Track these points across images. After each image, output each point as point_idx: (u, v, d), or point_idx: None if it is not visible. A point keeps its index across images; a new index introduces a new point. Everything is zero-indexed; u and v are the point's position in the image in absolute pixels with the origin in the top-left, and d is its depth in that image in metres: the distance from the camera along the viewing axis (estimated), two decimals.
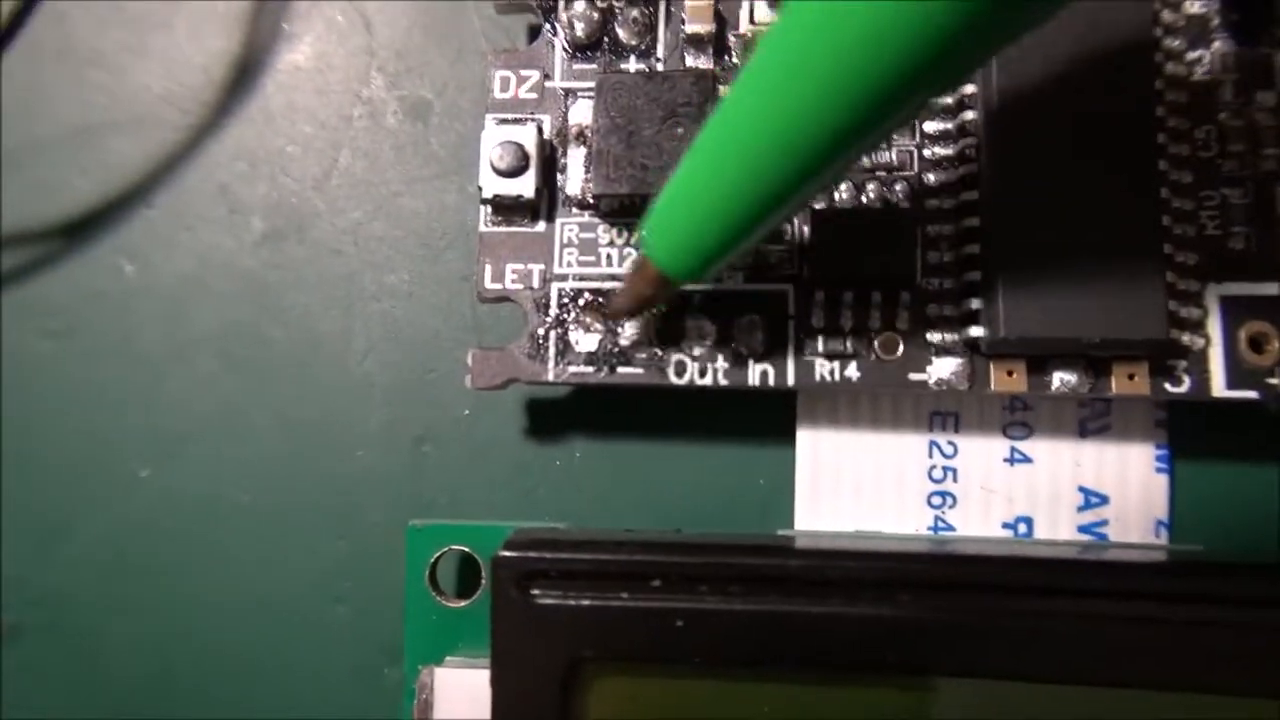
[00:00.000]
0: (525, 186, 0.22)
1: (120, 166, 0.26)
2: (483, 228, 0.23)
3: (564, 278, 0.22)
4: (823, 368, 0.21)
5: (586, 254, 0.22)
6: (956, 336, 0.21)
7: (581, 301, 0.22)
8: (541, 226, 0.23)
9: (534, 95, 0.23)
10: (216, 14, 0.27)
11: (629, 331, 0.22)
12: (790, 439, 0.23)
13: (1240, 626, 0.18)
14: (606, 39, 0.23)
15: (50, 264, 0.26)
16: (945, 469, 0.22)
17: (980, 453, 0.22)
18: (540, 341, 0.22)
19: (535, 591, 0.19)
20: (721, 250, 0.18)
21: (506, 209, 0.23)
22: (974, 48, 0.16)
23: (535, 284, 0.22)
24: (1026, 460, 0.22)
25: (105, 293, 0.26)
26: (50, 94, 0.27)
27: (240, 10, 0.27)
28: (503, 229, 0.23)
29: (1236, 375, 0.20)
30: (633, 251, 0.22)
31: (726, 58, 0.23)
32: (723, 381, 0.22)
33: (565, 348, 0.22)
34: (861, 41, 0.15)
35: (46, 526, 0.25)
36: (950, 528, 0.22)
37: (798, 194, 0.18)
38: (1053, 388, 0.21)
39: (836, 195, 0.22)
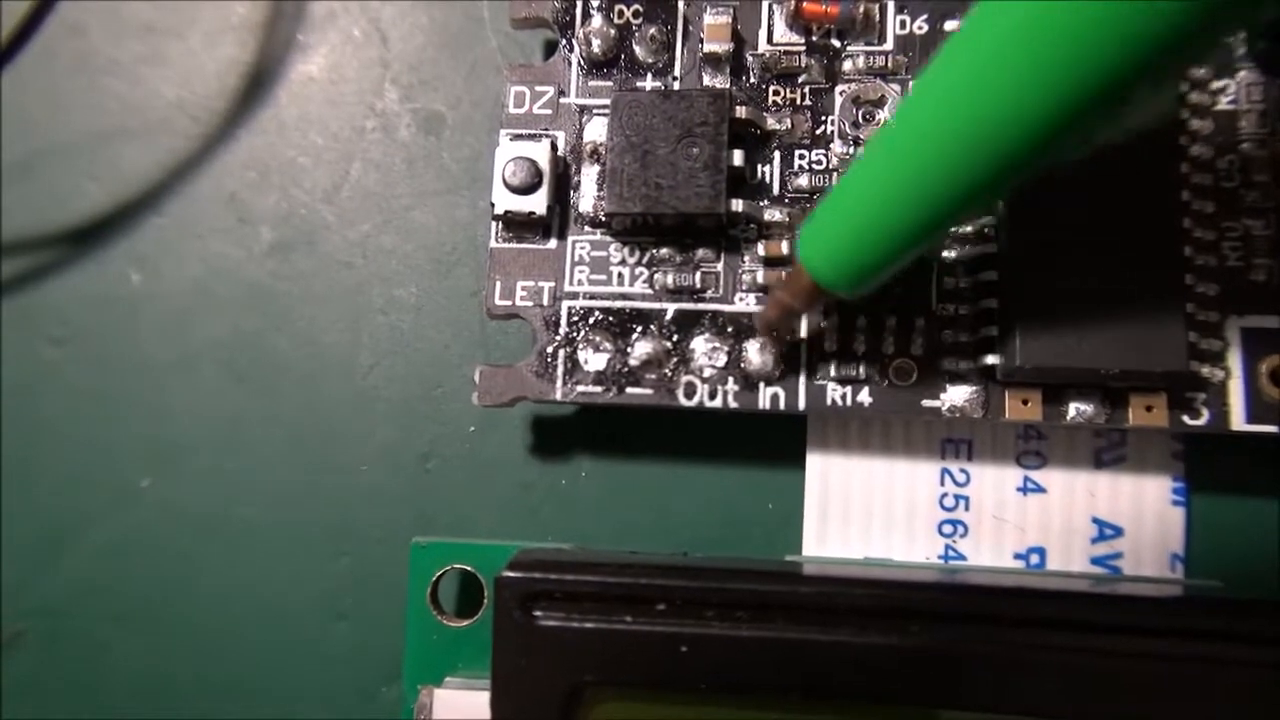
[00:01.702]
0: (537, 203, 0.22)
1: (131, 174, 0.26)
2: (493, 243, 0.22)
3: (574, 296, 0.22)
4: (834, 392, 0.21)
5: (598, 272, 0.22)
6: (971, 364, 0.21)
7: (592, 320, 0.22)
8: (553, 244, 0.22)
9: (548, 111, 0.23)
10: (231, 24, 0.27)
11: (639, 350, 0.21)
12: (800, 464, 0.23)
13: (1255, 665, 0.18)
14: (623, 56, 0.23)
15: (58, 270, 0.26)
16: (957, 497, 0.22)
17: (993, 481, 0.22)
18: (549, 360, 0.22)
19: (538, 613, 0.19)
20: (883, 261, 0.18)
21: (518, 225, 0.22)
22: (1174, 58, 0.15)
23: (545, 301, 0.22)
24: (1040, 490, 0.22)
25: (112, 300, 0.25)
26: (65, 101, 0.27)
27: (255, 20, 0.26)
28: (514, 245, 0.22)
29: (1257, 409, 0.20)
30: (644, 271, 0.22)
31: (744, 78, 0.22)
32: (733, 404, 0.21)
33: (574, 366, 0.22)
34: (1063, 47, 0.15)
35: (47, 535, 0.25)
36: (961, 557, 0.22)
37: (977, 202, 0.17)
38: (1068, 418, 0.20)
39: None
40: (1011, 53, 0.15)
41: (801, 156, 0.22)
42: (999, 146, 0.16)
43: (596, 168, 0.22)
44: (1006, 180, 0.17)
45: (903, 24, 0.22)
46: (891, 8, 0.22)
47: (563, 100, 0.23)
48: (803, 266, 0.19)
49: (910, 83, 0.22)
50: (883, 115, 0.22)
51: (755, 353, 0.21)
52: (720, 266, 0.22)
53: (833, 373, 0.21)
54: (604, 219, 0.22)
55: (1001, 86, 0.16)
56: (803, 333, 0.21)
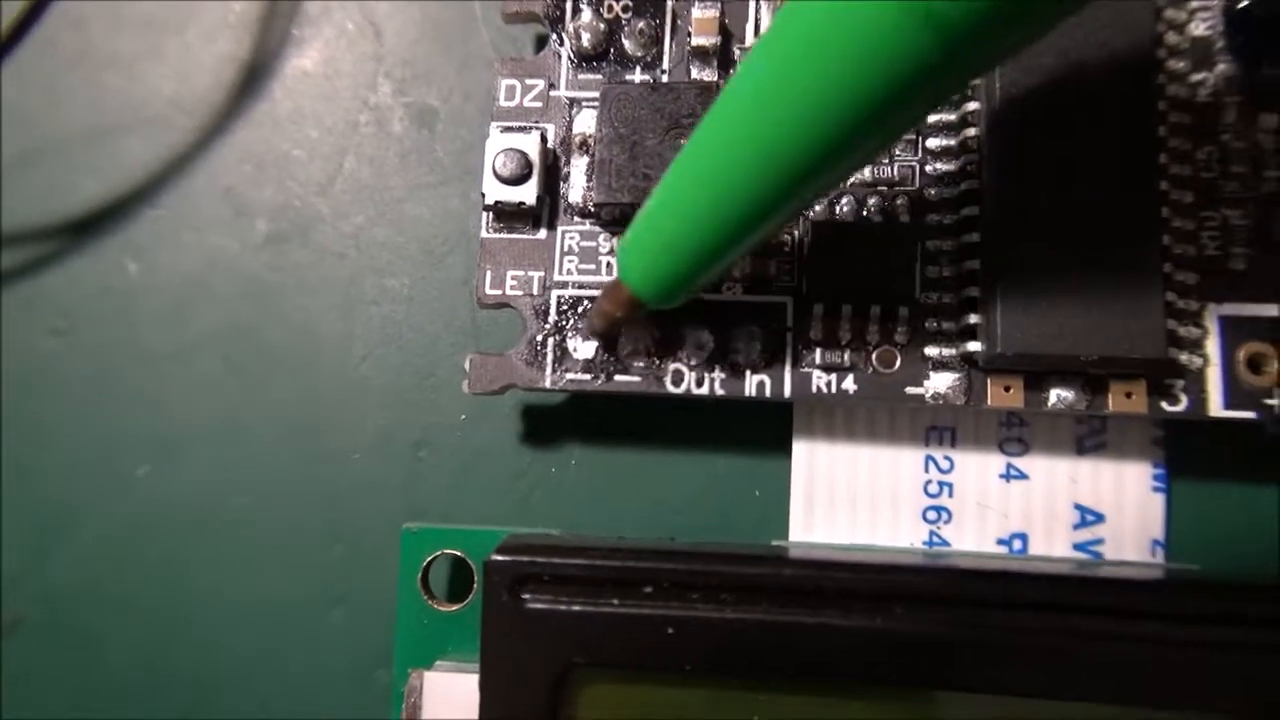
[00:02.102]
0: (528, 194, 0.22)
1: (129, 167, 0.26)
2: (484, 234, 0.23)
3: (564, 285, 0.22)
4: (820, 380, 0.21)
5: (587, 262, 0.22)
6: (954, 351, 0.21)
7: (580, 309, 0.22)
8: (543, 234, 0.23)
9: (539, 104, 0.23)
10: (227, 20, 0.27)
11: (584, 347, 0.22)
12: (786, 451, 0.23)
13: (1234, 646, 0.18)
14: (612, 50, 0.23)
15: (55, 262, 0.26)
16: (941, 484, 0.22)
17: (976, 468, 0.22)
18: (538, 348, 0.22)
19: (526, 596, 0.19)
20: (691, 276, 0.19)
21: (508, 216, 0.23)
22: (950, 81, 0.16)
23: (535, 291, 0.22)
24: (1022, 476, 0.22)
25: (109, 292, 0.26)
26: (64, 95, 0.27)
27: (251, 16, 0.27)
28: (504, 235, 0.23)
29: (1235, 395, 0.20)
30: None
31: (731, 71, 0.23)
32: (719, 392, 0.22)
33: (563, 355, 0.22)
34: (832, 75, 0.16)
35: (45, 524, 0.25)
36: (945, 543, 0.22)
37: (767, 222, 0.18)
38: (1050, 404, 0.21)
39: (837, 209, 0.22)
40: (788, 71, 0.16)
41: None
42: (782, 160, 0.17)
43: (586, 159, 0.23)
44: (796, 194, 0.17)
45: None
46: None
47: (553, 93, 0.23)
48: (620, 279, 0.19)
49: None
50: None
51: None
52: None
53: (818, 360, 0.21)
54: (593, 209, 0.22)
55: (782, 102, 0.16)
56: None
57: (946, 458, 0.22)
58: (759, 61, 0.17)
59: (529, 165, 0.22)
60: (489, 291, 0.22)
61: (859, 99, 0.16)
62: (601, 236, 0.22)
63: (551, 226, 0.23)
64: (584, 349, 0.22)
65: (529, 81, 0.23)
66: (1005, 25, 0.15)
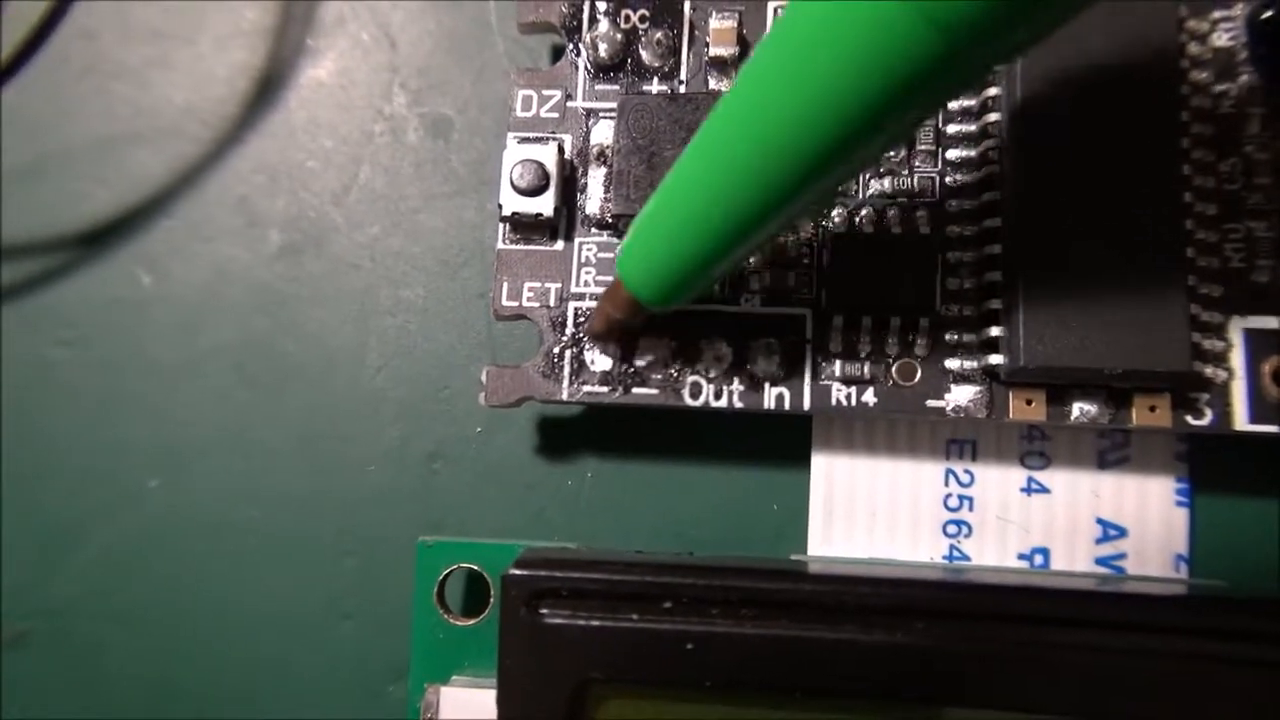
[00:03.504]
0: (545, 205, 0.22)
1: (141, 177, 0.26)
2: (501, 245, 0.23)
3: (581, 297, 0.22)
4: (839, 392, 0.21)
5: (604, 274, 0.22)
6: (975, 364, 0.21)
7: None
8: (560, 245, 0.23)
9: (555, 115, 0.23)
10: (240, 29, 0.27)
11: (601, 359, 0.22)
12: (805, 464, 0.23)
13: (1259, 663, 0.18)
14: (629, 60, 0.23)
15: (67, 273, 0.26)
16: (961, 497, 0.22)
17: (997, 482, 0.22)
18: (555, 360, 0.22)
19: (544, 611, 0.19)
20: (690, 278, 0.19)
21: (525, 227, 0.23)
22: (954, 80, 0.16)
23: (552, 303, 0.22)
24: (1044, 490, 0.22)
25: (121, 302, 0.26)
26: (76, 106, 0.27)
27: (264, 25, 0.27)
28: (521, 247, 0.23)
29: (1259, 409, 0.20)
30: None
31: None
32: (738, 404, 0.21)
33: (580, 367, 0.22)
34: (834, 75, 0.16)
35: (53, 535, 0.25)
36: (965, 557, 0.22)
37: (766, 226, 0.18)
38: (1072, 418, 0.20)
39: (857, 220, 0.22)
40: (789, 72, 0.16)
41: None
42: (783, 162, 0.17)
43: (603, 170, 0.22)
44: (796, 197, 0.17)
45: None
46: None
47: (570, 104, 0.23)
48: (620, 281, 0.19)
49: None
50: None
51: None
52: None
53: (837, 373, 0.21)
54: (610, 220, 0.22)
55: (782, 103, 0.16)
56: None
57: (967, 471, 0.22)
58: (760, 62, 0.17)
59: (546, 176, 0.22)
60: (505, 303, 0.22)
61: (861, 100, 0.16)
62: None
63: (569, 238, 0.23)
64: (601, 361, 0.22)
65: (546, 92, 0.23)
66: (1009, 23, 0.15)
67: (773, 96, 0.17)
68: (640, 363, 0.22)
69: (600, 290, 0.22)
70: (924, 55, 0.15)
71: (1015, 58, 0.17)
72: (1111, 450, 0.22)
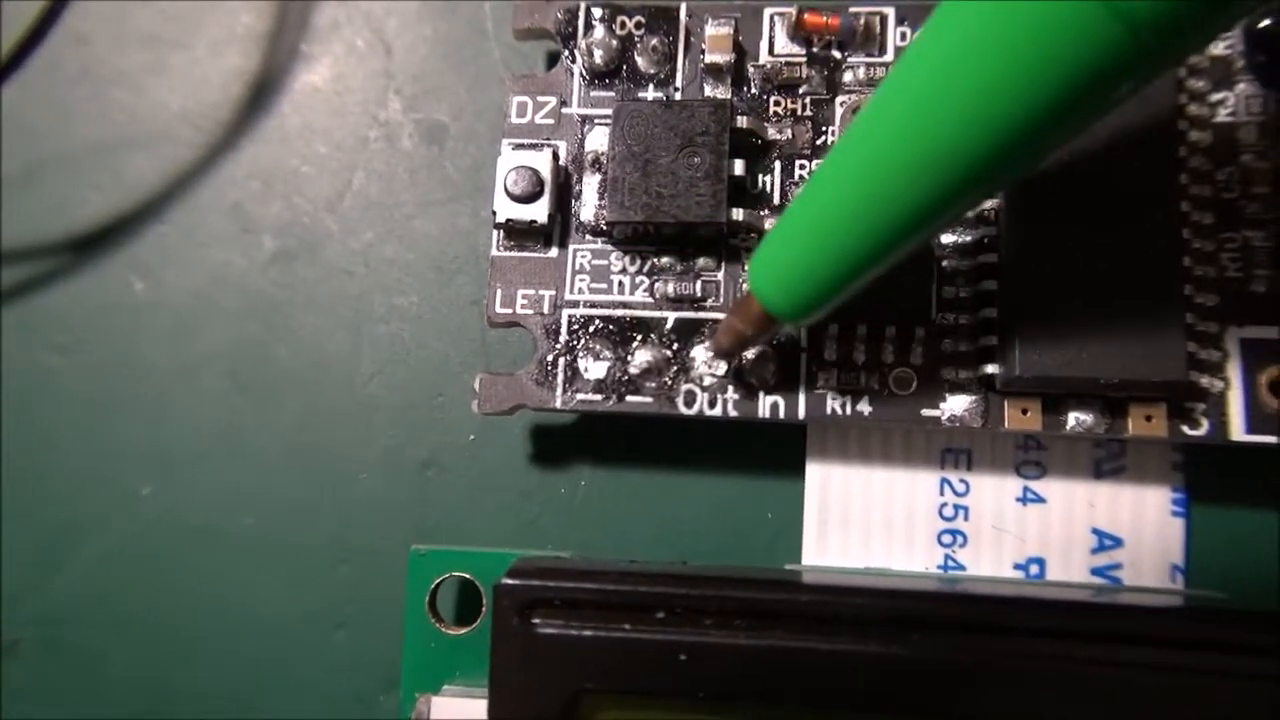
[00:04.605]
0: (539, 212, 0.22)
1: (135, 183, 0.26)
2: (495, 252, 0.23)
3: (575, 304, 0.22)
4: (834, 401, 0.21)
5: (599, 281, 0.22)
6: (971, 373, 0.21)
7: (592, 328, 0.22)
8: (554, 252, 0.22)
9: (550, 121, 0.23)
10: (235, 34, 0.27)
11: (639, 358, 0.22)
12: (799, 473, 0.23)
13: (1255, 675, 0.18)
14: (625, 67, 0.23)
15: (61, 278, 0.26)
16: (956, 507, 0.22)
17: (992, 491, 0.22)
18: (549, 368, 0.22)
19: (537, 620, 0.19)
20: (833, 290, 0.18)
21: (519, 234, 0.22)
22: (1135, 80, 0.15)
23: (546, 310, 0.22)
24: (1039, 500, 0.22)
25: (114, 308, 0.25)
26: (70, 111, 0.27)
27: (259, 30, 0.27)
28: (515, 254, 0.22)
29: (1256, 419, 0.20)
30: (644, 280, 0.22)
31: (745, 88, 0.23)
32: (732, 413, 0.21)
33: (574, 375, 0.22)
34: (1008, 73, 0.15)
35: (47, 543, 0.25)
36: (961, 567, 0.22)
37: (923, 231, 0.17)
38: (1068, 427, 0.20)
39: None
40: (956, 73, 0.16)
41: (802, 167, 0.22)
42: (947, 165, 0.16)
43: (598, 177, 0.22)
44: (958, 201, 0.17)
45: (903, 36, 0.22)
46: (892, 20, 0.22)
47: (565, 110, 0.23)
48: (753, 295, 0.19)
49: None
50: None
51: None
52: (721, 275, 0.22)
53: (832, 382, 0.21)
54: (605, 228, 0.22)
55: (948, 106, 0.16)
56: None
57: (962, 480, 0.22)
58: (921, 60, 0.16)
59: (541, 183, 0.22)
60: (499, 310, 0.22)
61: (1036, 99, 0.15)
62: (614, 255, 0.22)
63: (563, 245, 0.22)
64: (595, 369, 0.22)
65: (540, 98, 0.23)
66: (1198, 21, 0.14)
67: (938, 96, 0.16)
68: (634, 370, 0.22)
69: (595, 297, 0.22)
70: (1110, 54, 0.14)
71: (1203, 49, 0.17)
72: (1107, 460, 0.22)
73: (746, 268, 0.19)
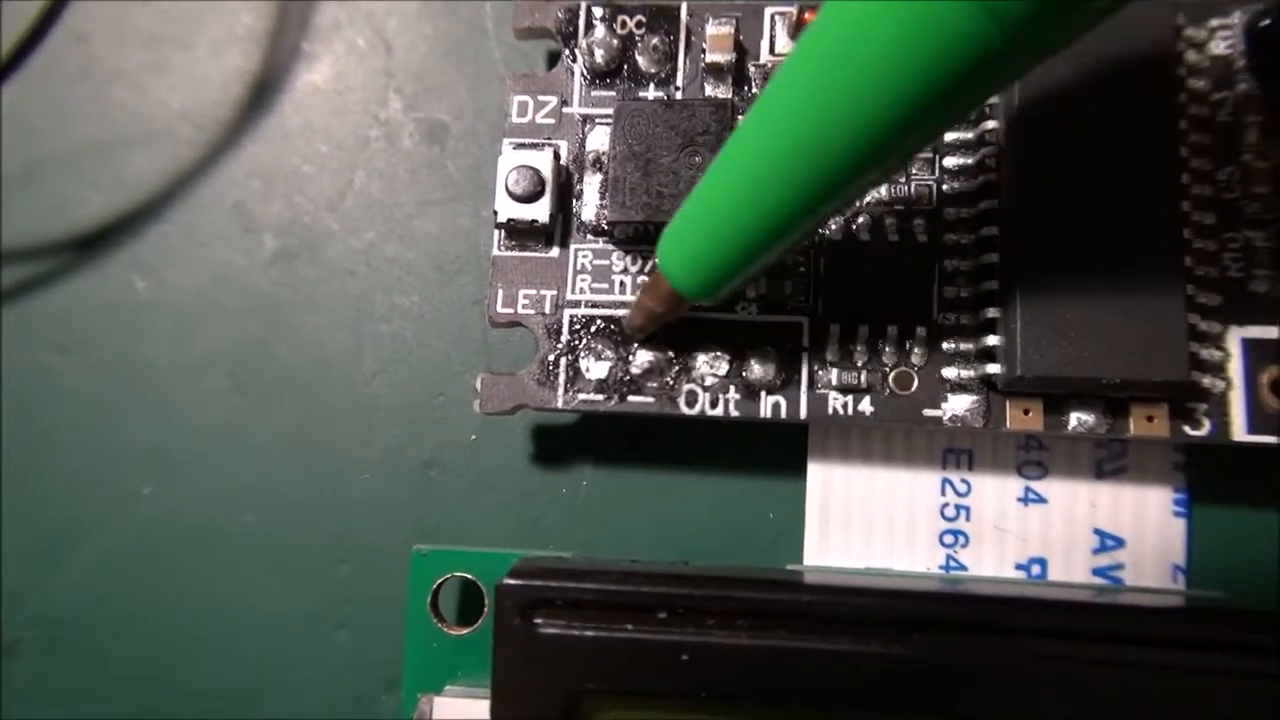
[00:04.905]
0: (540, 211, 0.22)
1: (136, 182, 0.26)
2: (496, 252, 0.22)
3: (576, 304, 0.22)
4: (835, 401, 0.21)
5: (600, 280, 0.22)
6: (973, 373, 0.21)
7: (594, 328, 0.22)
8: (555, 252, 0.22)
9: (551, 121, 0.23)
10: (236, 33, 0.27)
11: (641, 358, 0.22)
12: (801, 473, 0.23)
13: (1257, 675, 0.18)
14: (626, 66, 0.23)
15: (61, 278, 0.26)
16: (958, 507, 0.22)
17: (994, 491, 0.22)
18: (551, 368, 0.22)
19: (538, 621, 0.19)
20: (734, 269, 0.19)
21: (520, 233, 0.22)
22: (1007, 71, 0.16)
23: (547, 309, 0.22)
24: (1041, 500, 0.22)
25: (115, 308, 0.25)
26: (70, 110, 0.27)
27: (260, 30, 0.27)
28: (516, 253, 0.22)
29: (1258, 419, 0.20)
30: (647, 279, 0.22)
31: (746, 88, 0.23)
32: (734, 413, 0.21)
33: (575, 375, 0.22)
34: (899, 49, 0.16)
35: (47, 542, 0.25)
36: (962, 567, 0.22)
37: (815, 213, 0.18)
38: (1069, 427, 0.20)
39: (854, 228, 0.22)
40: (841, 53, 0.16)
41: None
42: (831, 153, 0.17)
43: (599, 176, 0.22)
44: (843, 189, 0.17)
45: None
46: None
47: (565, 110, 0.23)
48: (661, 274, 0.19)
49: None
50: None
51: (755, 364, 0.21)
52: None
53: (834, 381, 0.21)
54: (606, 227, 0.22)
55: (830, 98, 0.16)
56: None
57: (964, 480, 0.22)
58: (806, 54, 0.17)
59: (542, 182, 0.22)
60: (500, 310, 0.22)
61: (912, 91, 0.16)
62: (615, 255, 0.22)
63: (564, 244, 0.22)
64: (597, 369, 0.22)
65: (541, 98, 0.23)
66: (1065, 13, 0.15)
67: (816, 90, 0.16)
68: (636, 370, 0.22)
69: (596, 297, 0.22)
70: (979, 48, 0.15)
71: (1068, 45, 0.17)
72: (1109, 460, 0.22)
73: (656, 248, 0.19)
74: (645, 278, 0.22)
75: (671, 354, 0.22)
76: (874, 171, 0.17)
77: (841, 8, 0.16)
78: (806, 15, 0.22)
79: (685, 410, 0.21)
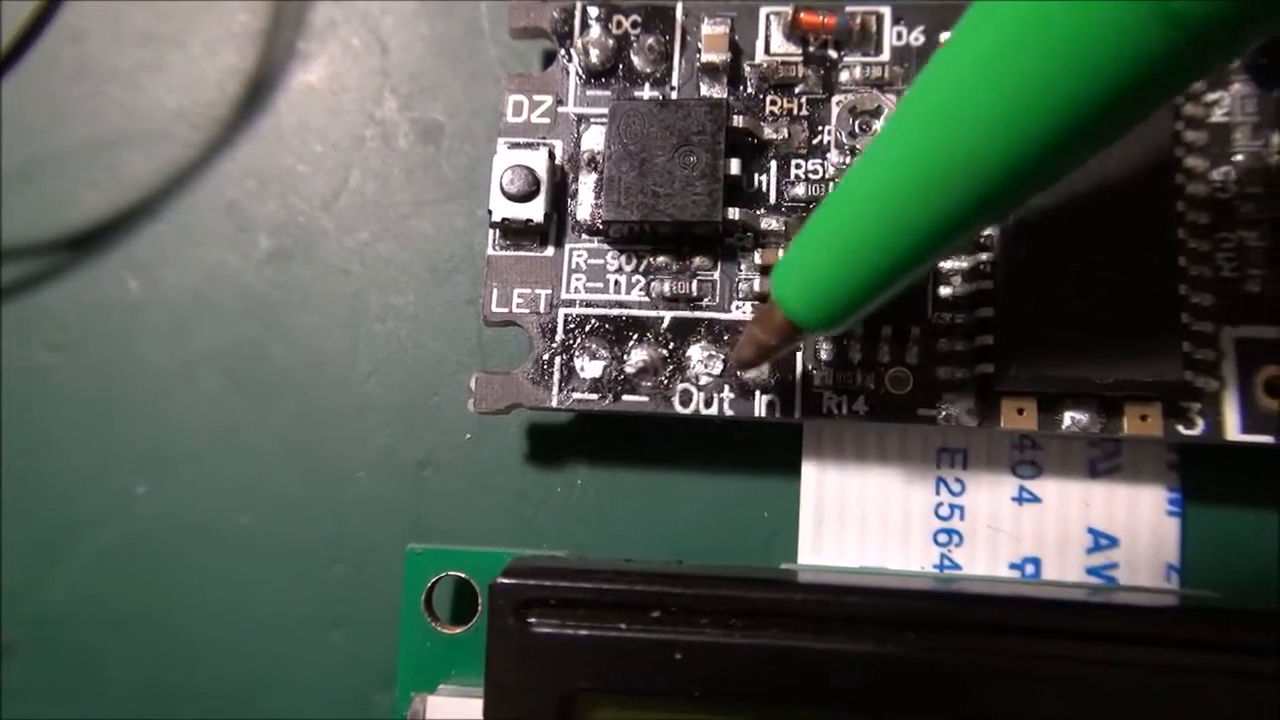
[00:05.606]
0: (535, 211, 0.22)
1: (131, 181, 0.26)
2: (491, 251, 0.22)
3: (571, 303, 0.22)
4: (830, 401, 0.21)
5: (595, 280, 0.22)
6: (967, 373, 0.21)
7: (588, 328, 0.22)
8: (550, 251, 0.22)
9: (546, 120, 0.23)
10: (231, 32, 0.27)
11: (635, 357, 0.22)
12: (795, 472, 0.23)
13: (1250, 675, 0.18)
14: (621, 66, 0.23)
15: (56, 277, 0.26)
16: (952, 507, 0.22)
17: (988, 491, 0.22)
18: (545, 367, 0.22)
19: (532, 620, 0.19)
20: (863, 298, 0.17)
21: (515, 233, 0.22)
22: (1182, 81, 0.15)
23: (542, 309, 0.22)
24: (1035, 500, 0.22)
25: (109, 307, 0.25)
26: (65, 108, 0.27)
27: (255, 29, 0.27)
28: (511, 253, 0.22)
29: (1252, 419, 0.20)
30: (640, 279, 0.22)
31: (741, 87, 0.23)
32: (729, 412, 0.21)
33: (570, 374, 0.22)
34: (1049, 75, 0.14)
35: (42, 542, 0.25)
36: (956, 566, 0.22)
37: (955, 239, 0.17)
38: (1063, 427, 0.20)
39: None
40: (990, 78, 0.15)
41: (798, 166, 0.22)
42: (982, 170, 0.15)
43: (594, 176, 0.22)
44: (992, 208, 0.16)
45: (899, 35, 0.22)
46: (888, 19, 0.22)
47: (561, 109, 0.23)
48: (777, 305, 0.18)
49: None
50: (879, 125, 0.22)
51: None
52: (717, 274, 0.22)
53: (829, 381, 0.21)
54: (601, 227, 0.22)
55: (983, 110, 0.15)
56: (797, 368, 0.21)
57: (958, 480, 0.22)
58: (954, 62, 0.16)
59: (536, 182, 0.22)
60: (495, 309, 0.22)
61: (1078, 101, 0.14)
62: (610, 254, 0.22)
63: (559, 244, 0.22)
64: (591, 368, 0.22)
65: (537, 97, 0.23)
66: (1249, 19, 0.13)
67: (972, 101, 0.15)
68: (630, 370, 0.22)
69: (591, 296, 0.22)
70: (1157, 54, 0.14)
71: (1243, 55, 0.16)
72: (1103, 460, 0.22)
73: (771, 277, 0.18)
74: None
75: (665, 353, 0.22)
76: (1025, 192, 0.16)
77: (990, 13, 0.15)
78: (803, 15, 0.22)
79: (680, 409, 0.21)
